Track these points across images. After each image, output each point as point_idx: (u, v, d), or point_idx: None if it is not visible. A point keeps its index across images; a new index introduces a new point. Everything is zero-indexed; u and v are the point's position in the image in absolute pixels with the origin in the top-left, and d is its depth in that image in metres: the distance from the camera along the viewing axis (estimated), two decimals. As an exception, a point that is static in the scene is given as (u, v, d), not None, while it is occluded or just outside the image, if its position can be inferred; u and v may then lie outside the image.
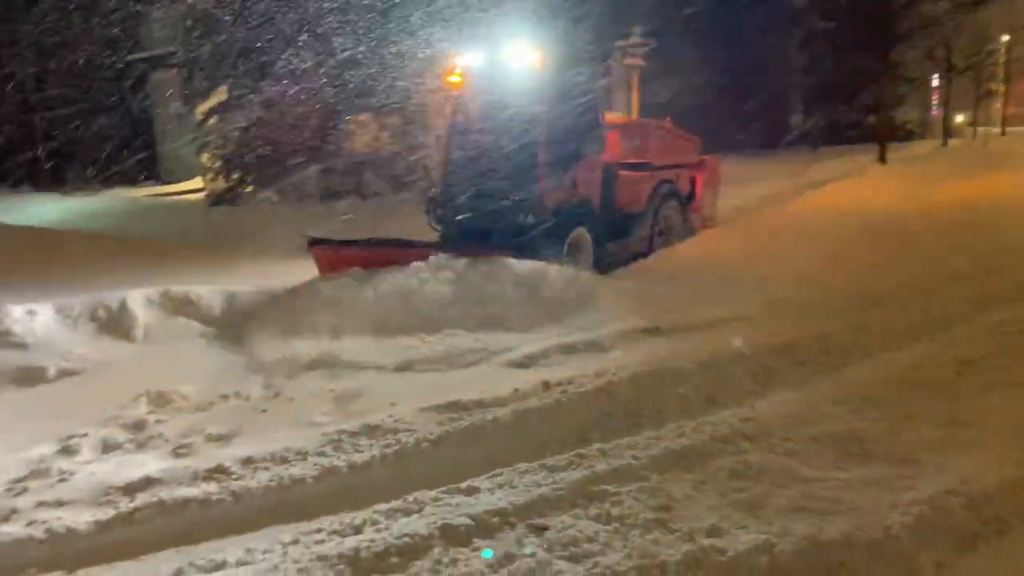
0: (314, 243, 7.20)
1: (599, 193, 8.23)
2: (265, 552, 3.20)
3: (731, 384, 4.99)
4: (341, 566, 3.04)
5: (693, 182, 9.88)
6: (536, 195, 7.52)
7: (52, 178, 19.94)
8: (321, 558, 3.08)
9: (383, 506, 3.53)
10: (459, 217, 7.80)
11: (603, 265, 8.01)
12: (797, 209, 12.23)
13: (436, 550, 3.15)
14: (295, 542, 3.25)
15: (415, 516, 3.42)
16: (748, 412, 4.48)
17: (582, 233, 7.84)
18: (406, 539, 3.19)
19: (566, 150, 7.86)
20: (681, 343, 5.74)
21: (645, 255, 8.79)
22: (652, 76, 14.60)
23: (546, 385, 4.84)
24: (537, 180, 7.56)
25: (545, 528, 3.29)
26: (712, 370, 5.12)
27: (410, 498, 3.57)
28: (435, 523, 3.29)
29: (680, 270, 8.18)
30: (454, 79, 8.30)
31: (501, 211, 7.55)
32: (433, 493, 3.62)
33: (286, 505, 3.66)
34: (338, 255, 6.98)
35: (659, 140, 9.26)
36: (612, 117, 9.40)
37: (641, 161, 8.90)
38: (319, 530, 3.35)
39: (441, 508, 3.47)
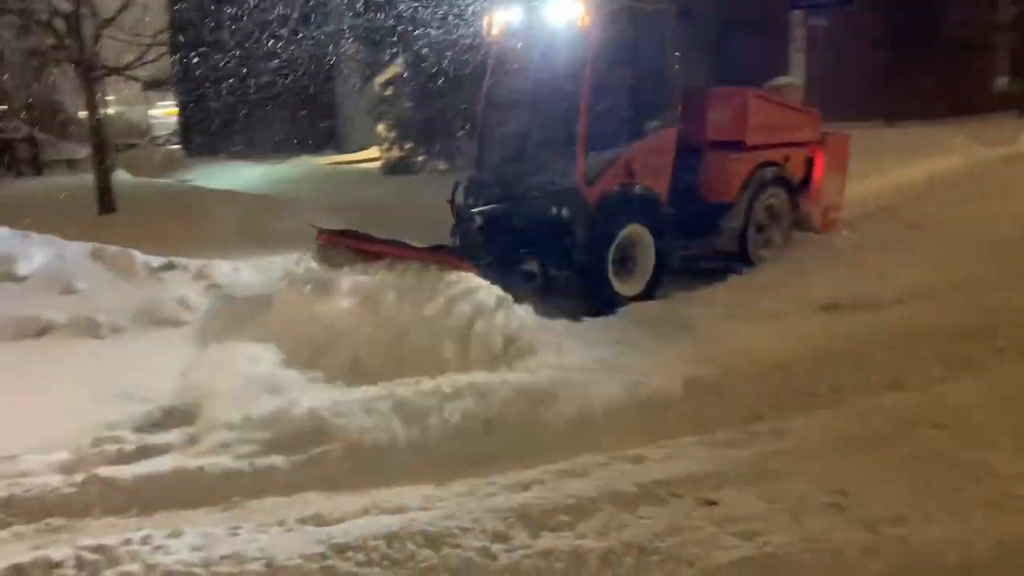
0: (322, 233, 6.12)
1: (668, 179, 6.57)
2: (441, 500, 3.40)
3: (918, 367, 4.66)
4: (512, 519, 3.17)
5: (809, 165, 7.99)
6: (572, 183, 6.07)
7: (246, 146, 21.75)
8: (492, 510, 3.23)
9: (551, 467, 3.63)
10: (474, 210, 6.42)
11: (668, 268, 6.44)
12: (992, 179, 11.05)
13: (603, 513, 3.21)
14: (469, 493, 3.43)
15: (582, 479, 3.50)
16: (938, 398, 4.19)
17: (638, 231, 6.25)
18: (573, 500, 3.29)
19: (618, 125, 6.32)
20: (863, 321, 5.42)
21: (738, 258, 7.14)
22: (834, 35, 13.67)
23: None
24: (574, 164, 6.07)
25: (714, 502, 3.26)
26: (897, 351, 4.80)
27: (578, 461, 3.65)
28: (602, 487, 3.35)
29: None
30: (493, 39, 6.93)
31: (526, 204, 6.26)
32: (600, 459, 3.68)
33: (461, 458, 3.84)
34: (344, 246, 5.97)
35: (760, 113, 7.43)
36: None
37: (734, 139, 7.27)
38: (491, 483, 3.51)
39: (608, 473, 3.52)
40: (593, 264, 6.01)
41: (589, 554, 2.96)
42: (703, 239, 7.07)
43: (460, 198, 6.58)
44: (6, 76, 15.27)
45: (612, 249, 6.09)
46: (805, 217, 7.87)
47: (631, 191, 6.24)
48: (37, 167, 18.06)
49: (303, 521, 3.29)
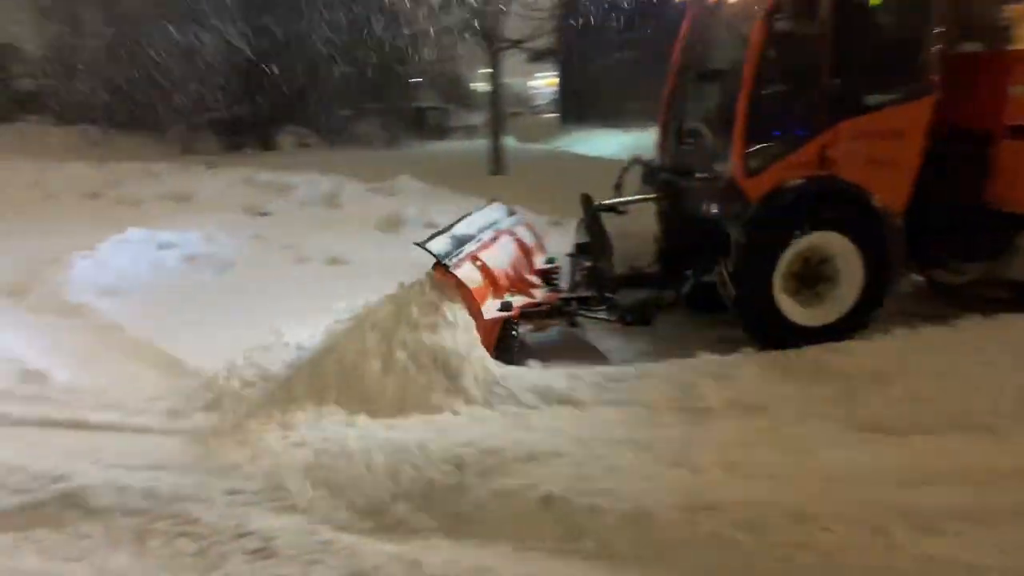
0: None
1: (909, 174, 4.77)
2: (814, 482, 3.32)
3: None
4: (893, 515, 2.98)
5: None
6: (726, 174, 4.74)
7: (612, 115, 22.66)
8: (872, 502, 3.07)
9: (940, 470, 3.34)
10: (603, 202, 5.28)
11: (883, 295, 4.80)
12: None
13: (1005, 528, 2.91)
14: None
15: (982, 486, 3.19)
16: None
17: (831, 242, 4.71)
18: (969, 507, 3.02)
19: (813, 99, 4.72)
20: None
21: None
22: None
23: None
24: (733, 149, 4.67)
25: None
26: None
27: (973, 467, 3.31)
28: (1007, 498, 3.05)
29: None
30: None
31: (683, 198, 5.15)
32: (1004, 467, 3.29)
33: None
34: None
35: None
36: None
37: None
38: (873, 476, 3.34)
39: (1014, 484, 3.17)
40: (751, 281, 4.68)
41: (986, 571, 2.68)
42: (981, 262, 5.31)
43: (632, 184, 5.55)
44: (425, 52, 17.74)
45: (781, 263, 4.67)
46: None
47: (821, 186, 4.69)
48: (442, 132, 20.80)
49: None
